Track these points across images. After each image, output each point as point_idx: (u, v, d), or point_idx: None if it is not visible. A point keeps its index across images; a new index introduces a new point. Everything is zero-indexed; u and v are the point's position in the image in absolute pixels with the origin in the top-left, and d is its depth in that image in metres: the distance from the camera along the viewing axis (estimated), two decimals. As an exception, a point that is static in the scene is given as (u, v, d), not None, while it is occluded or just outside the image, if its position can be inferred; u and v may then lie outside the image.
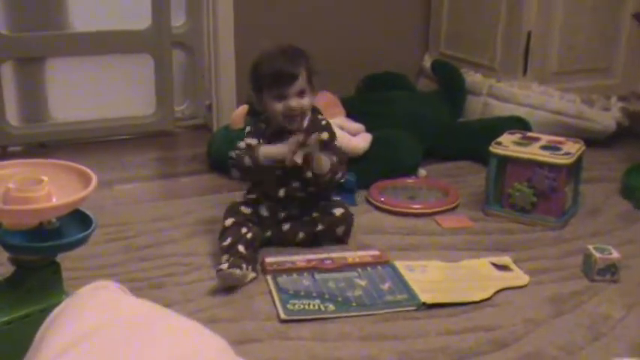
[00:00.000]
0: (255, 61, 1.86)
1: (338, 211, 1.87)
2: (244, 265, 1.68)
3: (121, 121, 2.80)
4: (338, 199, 1.95)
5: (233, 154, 1.86)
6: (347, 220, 1.87)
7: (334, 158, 1.83)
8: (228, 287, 1.64)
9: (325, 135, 1.88)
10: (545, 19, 2.62)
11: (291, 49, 1.87)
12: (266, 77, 1.83)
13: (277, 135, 1.85)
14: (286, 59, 1.83)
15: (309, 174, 1.84)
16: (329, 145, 1.87)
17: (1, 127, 2.60)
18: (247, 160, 1.82)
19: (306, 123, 1.86)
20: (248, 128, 1.91)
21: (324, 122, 1.91)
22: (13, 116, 2.66)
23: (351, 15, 2.93)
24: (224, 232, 1.79)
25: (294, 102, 1.81)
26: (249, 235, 1.77)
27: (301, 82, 1.82)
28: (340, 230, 1.87)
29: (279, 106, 1.82)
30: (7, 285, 1.32)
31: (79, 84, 2.73)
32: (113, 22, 2.71)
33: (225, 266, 1.65)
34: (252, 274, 1.70)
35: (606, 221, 2.04)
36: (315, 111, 1.91)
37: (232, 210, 1.85)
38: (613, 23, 2.75)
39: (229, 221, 1.82)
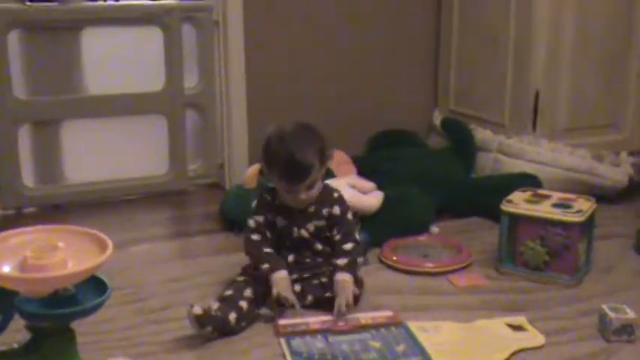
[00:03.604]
0: (267, 140, 1.78)
1: None
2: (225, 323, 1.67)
3: (135, 181, 2.83)
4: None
5: (250, 222, 1.85)
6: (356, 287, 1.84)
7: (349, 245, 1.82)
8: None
9: (337, 210, 1.84)
10: (553, 77, 2.65)
11: (303, 135, 1.77)
12: (275, 169, 1.77)
13: (285, 208, 1.84)
14: (298, 152, 1.72)
15: (319, 246, 1.85)
16: (341, 221, 1.84)
17: (17, 189, 2.63)
18: (254, 260, 1.83)
19: (315, 193, 1.82)
20: (255, 203, 1.87)
21: (335, 195, 1.87)
22: (28, 178, 2.69)
23: (360, 73, 2.98)
24: (230, 285, 1.82)
25: (304, 195, 1.78)
26: (247, 293, 1.76)
27: (313, 175, 1.76)
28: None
29: (288, 197, 1.80)
30: (24, 351, 1.34)
31: (94, 145, 2.77)
32: (127, 84, 2.76)
33: (198, 310, 1.63)
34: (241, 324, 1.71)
35: (621, 278, 2.03)
36: (326, 172, 1.91)
37: (247, 268, 1.87)
38: (620, 78, 2.78)
39: (241, 278, 1.84)
